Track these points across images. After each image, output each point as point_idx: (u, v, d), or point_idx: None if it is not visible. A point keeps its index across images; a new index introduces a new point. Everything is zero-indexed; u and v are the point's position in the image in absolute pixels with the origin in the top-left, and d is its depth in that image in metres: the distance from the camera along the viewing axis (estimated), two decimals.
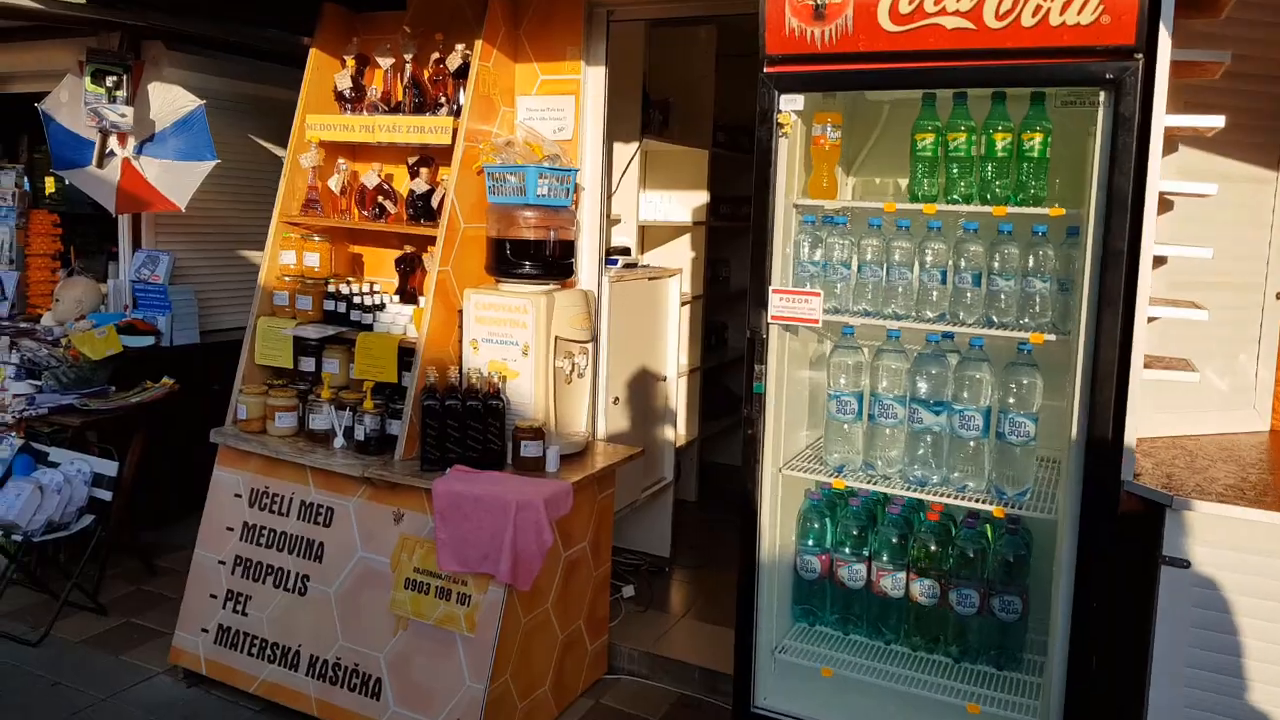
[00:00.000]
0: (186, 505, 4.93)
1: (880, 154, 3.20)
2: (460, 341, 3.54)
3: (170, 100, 4.60)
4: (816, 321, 2.67)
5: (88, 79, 4.37)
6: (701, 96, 5.31)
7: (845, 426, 2.87)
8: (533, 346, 3.37)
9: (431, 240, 3.64)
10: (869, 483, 2.84)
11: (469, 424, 3.27)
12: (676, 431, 4.68)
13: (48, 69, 4.73)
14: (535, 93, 3.76)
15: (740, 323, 6.35)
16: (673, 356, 4.58)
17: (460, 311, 3.54)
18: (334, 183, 3.87)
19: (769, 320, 2.73)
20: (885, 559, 2.99)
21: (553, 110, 3.74)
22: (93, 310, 4.78)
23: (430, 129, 3.56)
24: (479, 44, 3.55)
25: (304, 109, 3.85)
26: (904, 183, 3.20)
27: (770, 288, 2.71)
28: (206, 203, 4.94)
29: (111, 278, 4.98)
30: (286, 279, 3.78)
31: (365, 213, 3.83)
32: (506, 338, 3.40)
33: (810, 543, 3.06)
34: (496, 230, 3.51)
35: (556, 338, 3.41)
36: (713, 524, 5.30)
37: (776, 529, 2.97)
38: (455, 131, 3.54)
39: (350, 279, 3.86)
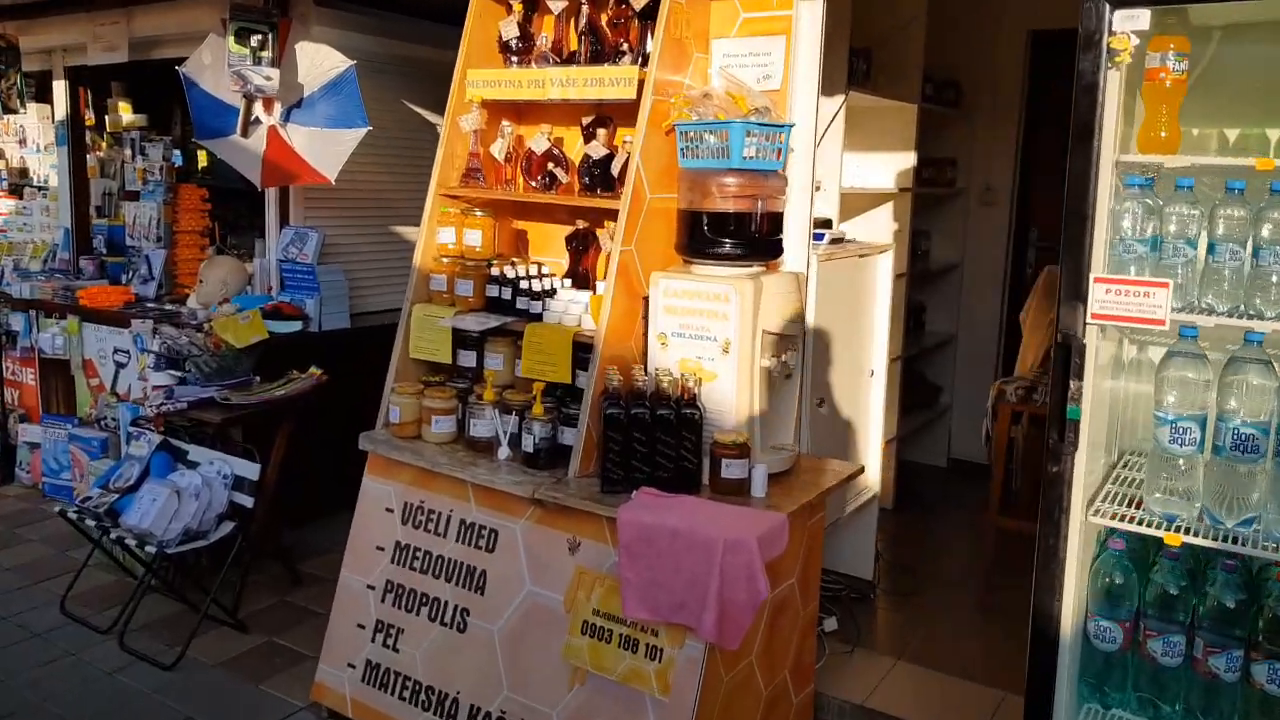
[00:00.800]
0: (334, 502, 4.59)
1: (1201, 97, 2.41)
2: (645, 335, 2.97)
3: (319, 61, 4.19)
4: (1161, 322, 1.95)
5: (231, 38, 3.99)
6: (909, 43, 4.55)
7: (1179, 461, 2.14)
8: (735, 343, 2.75)
9: (608, 214, 3.08)
10: (1214, 540, 2.10)
11: (658, 437, 2.69)
12: (881, 435, 4.00)
13: (193, 30, 4.40)
14: (735, 34, 3.12)
15: (942, 303, 5.61)
16: (881, 346, 3.89)
17: (645, 299, 2.96)
18: (497, 149, 3.34)
19: (1088, 319, 2.02)
20: (1215, 630, 2.25)
21: (757, 55, 3.09)
22: (238, 292, 4.46)
23: (611, 81, 2.97)
24: None
25: (464, 64, 3.33)
26: (1232, 134, 2.43)
27: (1091, 275, 1.99)
28: (357, 175, 4.54)
29: (258, 256, 4.66)
30: (444, 260, 3.29)
31: (533, 183, 3.29)
32: (703, 331, 2.80)
33: (1109, 604, 2.35)
34: (690, 201, 2.91)
35: (764, 332, 2.79)
36: (914, 536, 4.60)
37: (1071, 589, 2.27)
38: (641, 83, 2.94)
39: (515, 260, 3.34)
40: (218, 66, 4.11)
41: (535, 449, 2.89)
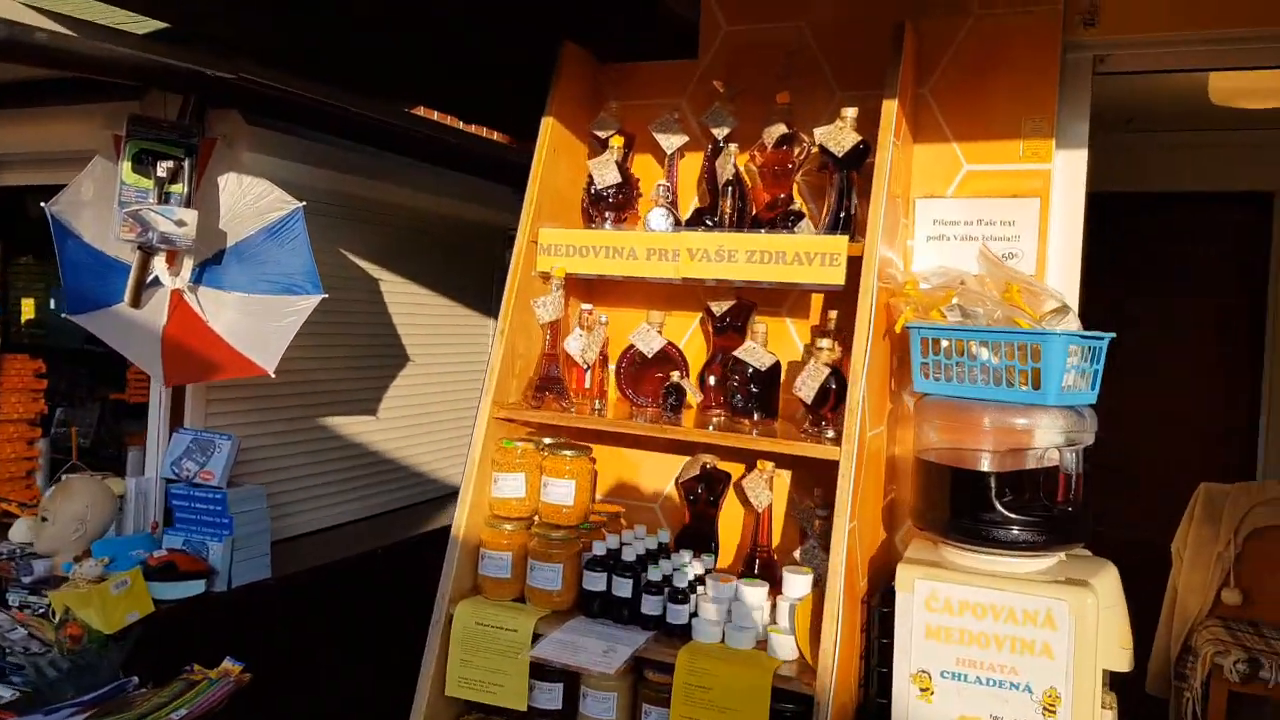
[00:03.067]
0: None
1: None
2: (863, 666, 1.86)
3: (252, 199, 2.99)
4: None
5: (127, 163, 2.75)
6: None
7: None
8: (1068, 695, 1.69)
9: (746, 455, 2.05)
10: None
11: None
12: None
13: (64, 149, 3.10)
14: (953, 193, 2.19)
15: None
16: None
17: (869, 604, 1.88)
18: (576, 345, 2.23)
19: None
20: None
21: (989, 224, 2.15)
22: (102, 532, 3.03)
23: (804, 256, 1.95)
24: (890, 108, 1.98)
25: (532, 219, 2.24)
26: None
27: None
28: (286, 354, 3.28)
29: (132, 475, 3.24)
30: (506, 527, 2.09)
31: (639, 399, 2.19)
32: (1002, 674, 1.73)
33: None
34: (943, 448, 1.88)
35: (1104, 672, 1.74)
36: None
37: None
38: (854, 263, 1.94)
39: (597, 512, 2.19)
40: (103, 204, 2.82)
41: None
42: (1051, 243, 2.12)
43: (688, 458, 2.37)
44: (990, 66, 2.13)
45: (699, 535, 2.24)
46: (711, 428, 2.03)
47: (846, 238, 1.94)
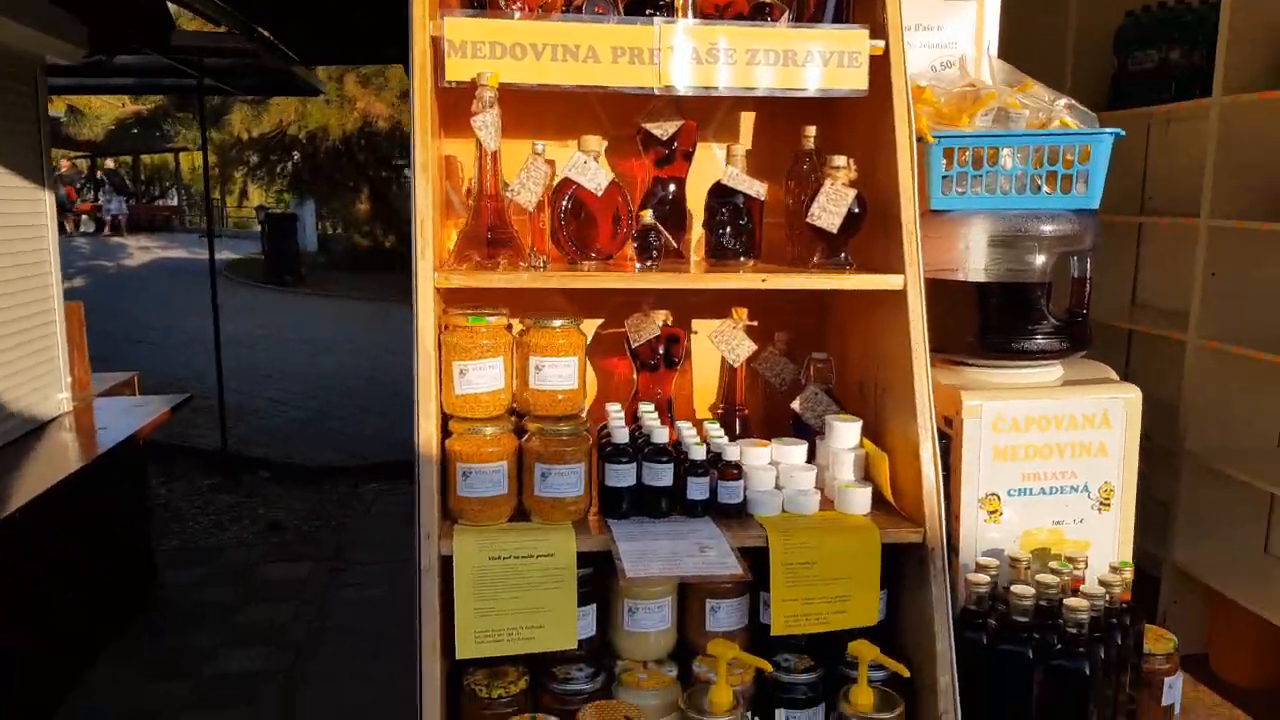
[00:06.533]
0: None
1: None
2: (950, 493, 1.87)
3: None
4: None
5: None
6: None
7: None
8: (1119, 486, 1.88)
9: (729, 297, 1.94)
10: None
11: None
12: None
13: None
14: None
15: None
16: None
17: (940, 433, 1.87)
18: (526, 185, 1.80)
19: None
20: None
21: (929, 28, 2.14)
22: None
23: (822, 56, 1.76)
24: None
25: (427, 7, 1.72)
26: None
27: None
28: None
29: None
30: (488, 431, 1.67)
31: (586, 251, 1.85)
32: (1062, 480, 1.85)
33: None
34: (964, 266, 1.90)
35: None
36: None
37: None
38: (878, 63, 1.80)
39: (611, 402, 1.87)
40: None
41: None
42: (985, 49, 2.17)
43: (600, 320, 2.11)
44: None
45: (656, 397, 2.02)
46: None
47: (866, 31, 1.78)
